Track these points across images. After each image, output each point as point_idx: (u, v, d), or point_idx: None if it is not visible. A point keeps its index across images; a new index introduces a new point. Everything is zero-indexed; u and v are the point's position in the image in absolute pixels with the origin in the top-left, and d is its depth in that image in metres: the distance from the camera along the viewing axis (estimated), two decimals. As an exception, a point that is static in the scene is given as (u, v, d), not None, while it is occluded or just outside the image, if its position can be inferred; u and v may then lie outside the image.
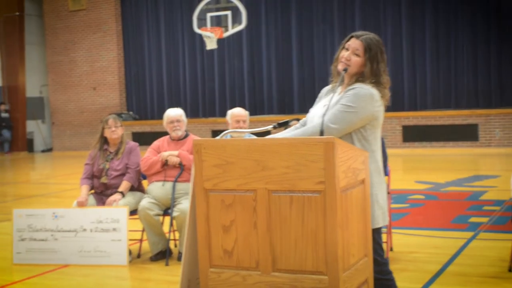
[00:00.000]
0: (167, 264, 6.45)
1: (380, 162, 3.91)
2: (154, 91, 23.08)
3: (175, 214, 6.47)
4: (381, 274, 3.93)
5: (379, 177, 3.88)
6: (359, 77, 3.84)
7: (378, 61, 3.80)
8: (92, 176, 6.98)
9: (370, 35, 3.86)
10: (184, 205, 6.44)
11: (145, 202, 6.59)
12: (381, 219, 3.87)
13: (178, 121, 6.86)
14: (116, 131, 6.95)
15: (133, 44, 23.33)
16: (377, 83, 3.80)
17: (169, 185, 6.65)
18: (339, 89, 3.93)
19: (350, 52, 3.83)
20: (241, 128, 6.66)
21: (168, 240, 6.68)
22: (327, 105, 3.82)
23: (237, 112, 6.83)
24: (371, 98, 3.74)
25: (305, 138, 3.41)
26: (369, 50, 3.79)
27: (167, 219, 6.97)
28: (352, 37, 3.87)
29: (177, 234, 6.92)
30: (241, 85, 21.58)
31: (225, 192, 3.48)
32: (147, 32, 23.04)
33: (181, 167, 6.68)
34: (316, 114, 3.90)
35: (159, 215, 6.64)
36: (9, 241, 6.99)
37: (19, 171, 19.21)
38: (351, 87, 3.79)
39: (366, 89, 3.74)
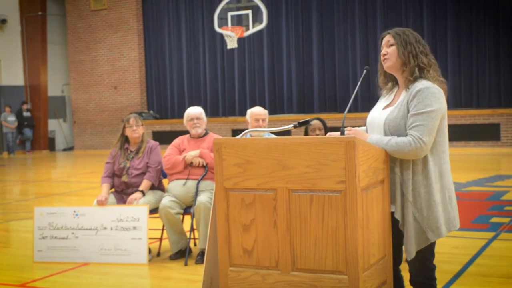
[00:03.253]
0: (186, 264, 6.45)
1: (448, 164, 3.75)
2: (174, 90, 23.14)
3: (195, 206, 6.47)
4: (427, 279, 3.88)
5: (445, 180, 3.72)
6: (408, 72, 3.73)
7: (410, 42, 3.73)
8: (113, 175, 7.01)
9: (399, 28, 3.85)
10: (201, 197, 6.46)
11: (166, 200, 6.61)
12: (446, 229, 3.71)
13: (198, 118, 6.90)
14: (137, 130, 6.98)
15: (154, 44, 23.41)
16: (428, 72, 3.70)
17: (190, 183, 6.66)
18: (395, 90, 3.88)
19: (385, 48, 3.81)
20: (260, 127, 6.67)
21: (189, 239, 6.69)
22: (389, 108, 3.77)
23: (256, 111, 6.85)
24: (440, 94, 3.65)
25: (326, 138, 3.40)
26: (398, 36, 3.75)
27: (187, 218, 6.98)
28: (382, 38, 3.86)
29: (197, 234, 6.93)
30: (261, 84, 21.58)
31: (245, 191, 3.48)
32: (168, 31, 23.11)
33: (206, 168, 6.70)
34: (375, 118, 3.81)
35: (179, 213, 6.65)
36: (30, 239, 7.04)
37: (40, 169, 19.33)
38: (417, 88, 3.64)
39: (433, 86, 3.64)
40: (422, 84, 3.64)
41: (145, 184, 6.86)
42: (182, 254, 6.66)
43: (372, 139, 3.63)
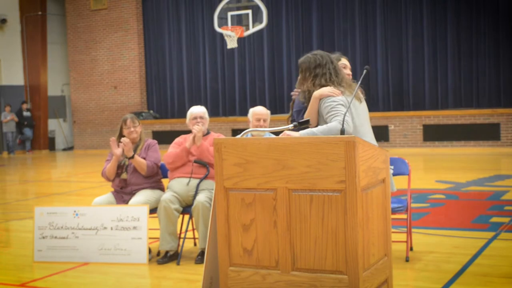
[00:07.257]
0: (178, 264, 6.44)
1: None
2: (174, 90, 23.14)
3: (193, 206, 6.47)
4: None
5: None
6: None
7: None
8: (112, 172, 7.05)
9: None
10: (200, 196, 6.47)
11: (168, 195, 6.61)
12: None
13: (201, 117, 6.90)
14: (134, 130, 7.00)
15: (154, 43, 23.41)
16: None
17: (193, 182, 6.66)
18: None
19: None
20: (261, 126, 6.67)
21: (182, 241, 6.66)
22: None
23: (258, 111, 6.85)
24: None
25: (326, 137, 3.40)
26: None
27: (185, 219, 6.97)
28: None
29: (196, 234, 6.93)
30: (261, 84, 21.58)
31: (245, 191, 3.48)
32: (168, 31, 23.10)
33: (207, 168, 6.71)
34: None
35: (178, 211, 6.62)
36: (30, 239, 7.04)
37: (40, 169, 19.32)
38: None
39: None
40: None
41: (139, 158, 6.88)
42: (170, 258, 6.62)
43: (302, 132, 4.13)
